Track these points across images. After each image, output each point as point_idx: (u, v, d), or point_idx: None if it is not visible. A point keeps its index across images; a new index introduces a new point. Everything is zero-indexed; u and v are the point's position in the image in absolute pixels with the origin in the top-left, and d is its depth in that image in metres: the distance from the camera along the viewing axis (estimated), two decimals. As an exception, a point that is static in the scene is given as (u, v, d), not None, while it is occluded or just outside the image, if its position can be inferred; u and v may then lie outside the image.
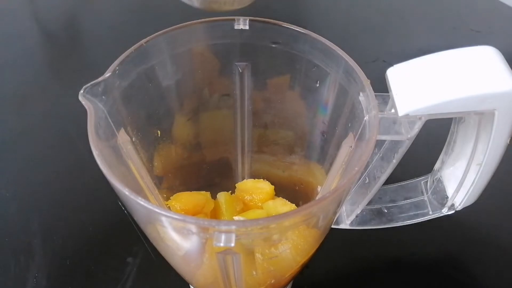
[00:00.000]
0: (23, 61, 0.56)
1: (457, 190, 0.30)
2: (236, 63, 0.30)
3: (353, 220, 0.33)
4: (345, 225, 0.33)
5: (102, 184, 0.21)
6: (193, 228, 0.20)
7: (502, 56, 0.25)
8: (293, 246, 0.25)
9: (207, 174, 0.36)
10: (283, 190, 0.34)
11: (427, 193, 0.33)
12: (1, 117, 0.48)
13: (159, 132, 0.31)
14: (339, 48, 0.26)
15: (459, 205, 0.31)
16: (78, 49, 0.60)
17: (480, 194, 0.30)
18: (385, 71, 0.26)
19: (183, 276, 0.29)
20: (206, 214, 0.31)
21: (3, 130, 0.47)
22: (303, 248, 0.26)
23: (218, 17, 0.28)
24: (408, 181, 0.34)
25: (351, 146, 0.27)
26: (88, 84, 0.23)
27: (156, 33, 0.27)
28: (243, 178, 0.37)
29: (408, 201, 0.33)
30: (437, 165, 0.33)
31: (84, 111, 0.22)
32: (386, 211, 0.33)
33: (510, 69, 0.24)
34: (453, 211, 0.32)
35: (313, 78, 0.29)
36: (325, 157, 0.31)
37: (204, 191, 0.33)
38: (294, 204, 0.32)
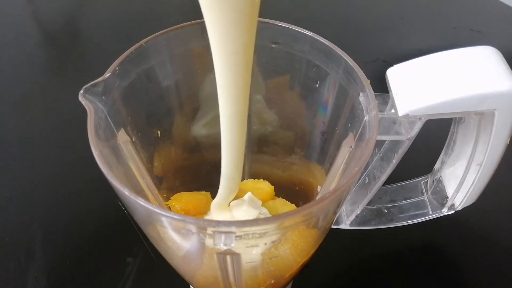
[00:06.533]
0: (23, 61, 0.56)
1: (457, 190, 0.30)
2: (236, 63, 0.30)
3: (353, 220, 0.33)
4: (345, 225, 0.33)
5: (102, 184, 0.21)
6: (193, 228, 0.20)
7: (502, 56, 0.25)
8: (293, 246, 0.25)
9: (207, 174, 0.36)
10: (283, 190, 0.34)
11: (427, 193, 0.33)
12: (1, 117, 0.48)
13: (159, 132, 0.31)
14: (339, 48, 0.26)
15: (459, 205, 0.31)
16: (78, 49, 0.60)
17: (480, 194, 0.30)
18: (385, 71, 0.26)
19: (183, 276, 0.29)
20: (206, 214, 0.31)
21: (3, 130, 0.47)
22: (303, 248, 0.26)
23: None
24: (408, 181, 0.34)
25: (351, 146, 0.27)
26: (88, 84, 0.23)
27: (156, 33, 0.27)
28: (243, 178, 0.37)
29: (408, 201, 0.33)
30: (437, 165, 0.33)
31: (84, 111, 0.22)
32: (386, 211, 0.33)
33: (510, 69, 0.24)
34: (453, 211, 0.32)
35: (313, 78, 0.29)
36: (325, 157, 0.31)
37: (204, 191, 0.33)
38: (294, 204, 0.32)
